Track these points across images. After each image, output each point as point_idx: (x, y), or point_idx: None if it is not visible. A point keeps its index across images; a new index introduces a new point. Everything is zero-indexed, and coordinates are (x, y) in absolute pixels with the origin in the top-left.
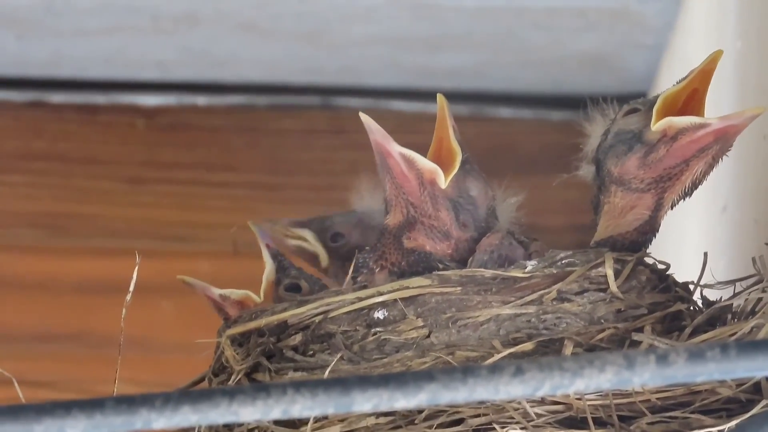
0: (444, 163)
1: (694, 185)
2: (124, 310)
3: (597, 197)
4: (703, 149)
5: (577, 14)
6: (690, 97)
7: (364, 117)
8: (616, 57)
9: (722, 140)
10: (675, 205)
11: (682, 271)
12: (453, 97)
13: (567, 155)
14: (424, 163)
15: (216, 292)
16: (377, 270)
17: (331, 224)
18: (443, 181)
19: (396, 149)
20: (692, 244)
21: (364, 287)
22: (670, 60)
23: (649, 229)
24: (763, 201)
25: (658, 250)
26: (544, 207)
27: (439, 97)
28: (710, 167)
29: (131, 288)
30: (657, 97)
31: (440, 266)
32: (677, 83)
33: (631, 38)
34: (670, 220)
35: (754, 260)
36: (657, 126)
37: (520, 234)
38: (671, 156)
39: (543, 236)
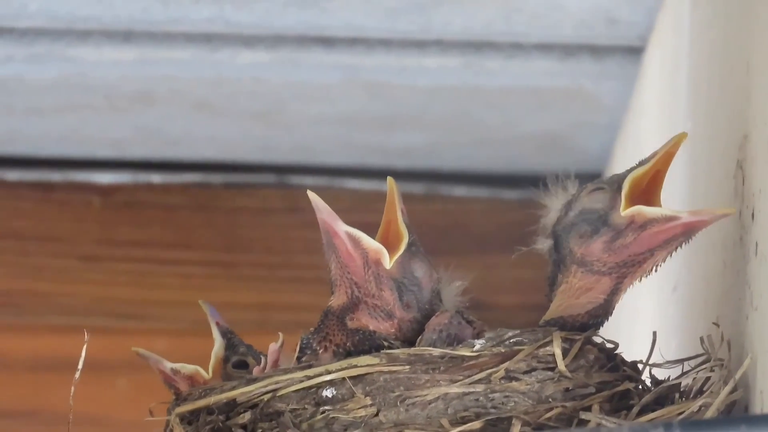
0: (391, 245)
1: (652, 270)
2: (72, 388)
3: (554, 274)
4: (669, 240)
5: (530, 94)
6: (653, 178)
7: (311, 195)
8: (570, 137)
9: (689, 233)
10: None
11: (635, 350)
12: (407, 175)
13: (521, 234)
14: (370, 243)
15: (168, 365)
16: (321, 351)
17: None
18: (388, 262)
19: (342, 228)
20: (645, 323)
21: (311, 366)
22: (624, 140)
23: (601, 313)
24: (712, 281)
25: (611, 329)
26: (498, 286)
27: (389, 180)
28: (670, 254)
29: (80, 366)
30: (622, 176)
31: (386, 344)
32: (641, 164)
33: (585, 118)
34: (623, 299)
35: (702, 339)
36: (626, 212)
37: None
38: (638, 244)
39: (495, 315)
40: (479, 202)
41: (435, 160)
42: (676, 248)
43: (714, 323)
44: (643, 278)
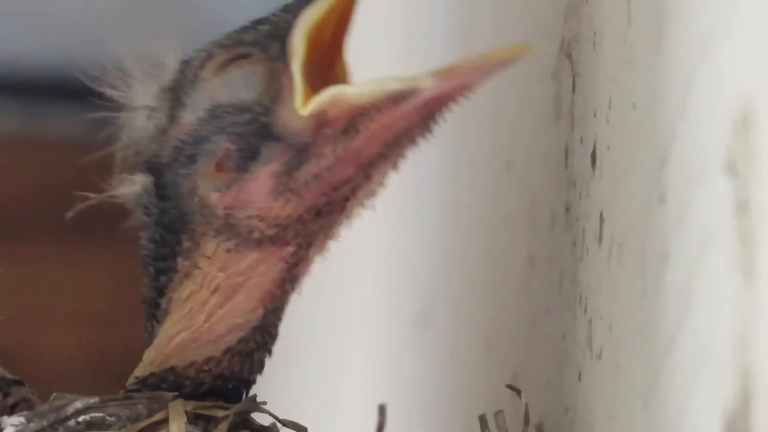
0: None
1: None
2: None
3: (158, 261)
4: (400, 137)
5: None
6: (337, 25)
7: None
8: None
9: (436, 111)
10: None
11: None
12: None
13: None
14: None
15: None
16: None
17: None
18: None
19: None
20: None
21: None
22: None
23: (256, 346)
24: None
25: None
26: (42, 308)
27: None
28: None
29: None
30: (279, 22)
31: None
32: None
33: None
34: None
35: (481, 420)
36: (312, 108)
37: None
38: (341, 164)
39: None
40: None
41: None
42: (414, 143)
43: (508, 386)
44: (343, 226)
